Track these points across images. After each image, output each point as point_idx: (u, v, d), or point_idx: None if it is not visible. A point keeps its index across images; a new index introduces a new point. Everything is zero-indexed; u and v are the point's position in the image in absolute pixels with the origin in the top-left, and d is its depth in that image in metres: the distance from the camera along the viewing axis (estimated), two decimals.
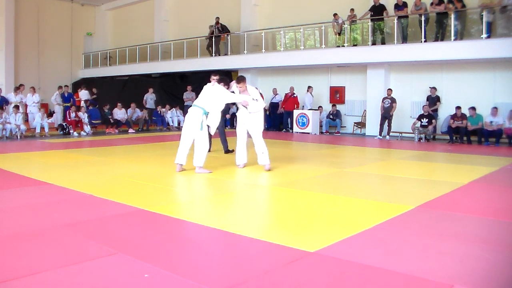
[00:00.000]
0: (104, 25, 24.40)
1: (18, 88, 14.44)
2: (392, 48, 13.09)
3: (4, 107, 13.07)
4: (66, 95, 15.84)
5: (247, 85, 6.97)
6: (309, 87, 15.36)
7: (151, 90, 17.05)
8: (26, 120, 13.72)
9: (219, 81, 6.87)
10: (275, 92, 16.01)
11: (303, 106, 15.46)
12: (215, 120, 6.70)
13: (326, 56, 14.33)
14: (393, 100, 12.96)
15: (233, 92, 6.89)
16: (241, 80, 6.88)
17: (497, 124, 11.27)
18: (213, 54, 17.65)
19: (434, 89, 12.82)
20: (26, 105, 14.13)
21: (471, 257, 3.19)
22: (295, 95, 15.39)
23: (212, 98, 6.59)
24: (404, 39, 13.01)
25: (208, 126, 6.70)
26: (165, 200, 5.00)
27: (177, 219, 4.14)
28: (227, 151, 8.77)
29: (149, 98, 16.83)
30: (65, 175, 6.46)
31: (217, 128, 7.16)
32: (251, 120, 6.86)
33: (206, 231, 3.78)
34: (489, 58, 11.53)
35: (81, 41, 23.68)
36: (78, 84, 22.03)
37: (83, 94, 16.72)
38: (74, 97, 16.50)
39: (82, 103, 15.66)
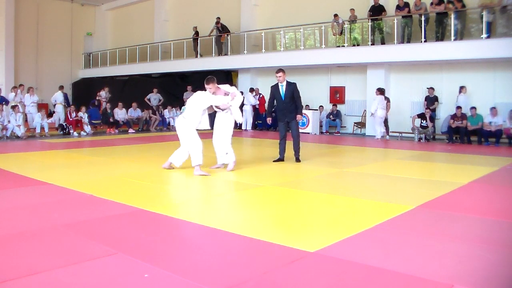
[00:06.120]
0: (104, 25, 24.38)
1: (14, 88, 14.43)
2: (392, 48, 13.08)
3: (3, 107, 13.06)
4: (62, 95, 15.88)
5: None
6: (462, 87, 12.27)
7: (155, 90, 17.13)
8: (25, 120, 13.72)
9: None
10: None
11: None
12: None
13: (326, 56, 14.32)
14: (387, 100, 12.90)
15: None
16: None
17: (496, 124, 11.25)
18: (199, 55, 17.90)
19: (432, 89, 12.80)
20: (25, 105, 14.13)
21: (471, 257, 3.19)
22: None
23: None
24: (406, 39, 12.98)
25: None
26: (165, 200, 5.00)
27: (177, 219, 4.14)
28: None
29: (153, 98, 16.86)
30: (65, 175, 6.46)
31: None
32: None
33: (206, 231, 3.78)
34: (489, 58, 11.52)
35: (81, 41, 23.66)
36: (78, 84, 22.12)
37: (103, 94, 16.82)
38: (96, 97, 16.73)
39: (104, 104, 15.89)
